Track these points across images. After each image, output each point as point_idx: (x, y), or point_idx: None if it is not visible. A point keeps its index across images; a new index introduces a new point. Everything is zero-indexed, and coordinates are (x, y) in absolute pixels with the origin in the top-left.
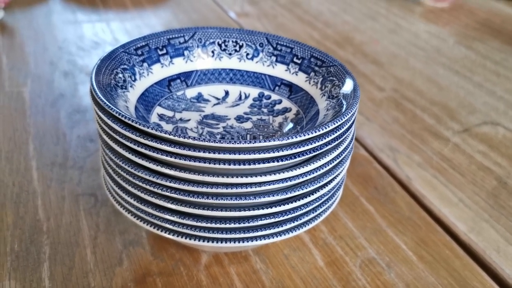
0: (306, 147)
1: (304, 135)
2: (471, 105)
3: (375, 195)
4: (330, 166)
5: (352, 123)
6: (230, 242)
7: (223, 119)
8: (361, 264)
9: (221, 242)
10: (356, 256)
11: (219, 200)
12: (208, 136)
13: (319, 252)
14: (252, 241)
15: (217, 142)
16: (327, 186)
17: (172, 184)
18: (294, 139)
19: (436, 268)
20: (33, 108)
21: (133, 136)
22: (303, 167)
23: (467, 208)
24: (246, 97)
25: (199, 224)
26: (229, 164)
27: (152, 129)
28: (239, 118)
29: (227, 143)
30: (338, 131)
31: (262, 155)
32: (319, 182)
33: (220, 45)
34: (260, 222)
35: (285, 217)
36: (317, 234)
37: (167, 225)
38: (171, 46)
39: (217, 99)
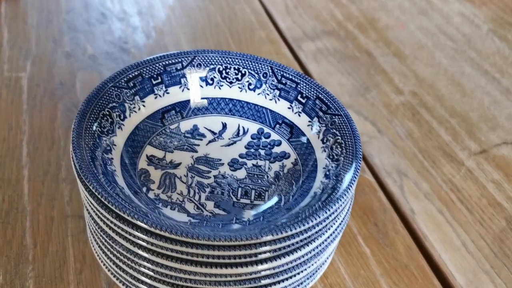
0: (291, 241)
1: (289, 230)
2: (494, 118)
3: (374, 234)
4: (318, 250)
5: (346, 202)
6: None
7: (215, 165)
8: None
9: None
10: None
11: (197, 284)
12: (189, 223)
13: None
14: None
15: (194, 238)
16: (314, 265)
17: (148, 265)
18: (278, 235)
19: None
20: (30, 100)
21: (108, 216)
22: (285, 257)
23: (469, 255)
24: (245, 132)
25: None
26: (207, 258)
27: (128, 216)
28: (233, 164)
29: (206, 239)
30: (330, 218)
31: (243, 252)
32: (304, 266)
33: (220, 72)
34: None
35: None
36: None
37: None
38: (167, 74)
39: (214, 133)
